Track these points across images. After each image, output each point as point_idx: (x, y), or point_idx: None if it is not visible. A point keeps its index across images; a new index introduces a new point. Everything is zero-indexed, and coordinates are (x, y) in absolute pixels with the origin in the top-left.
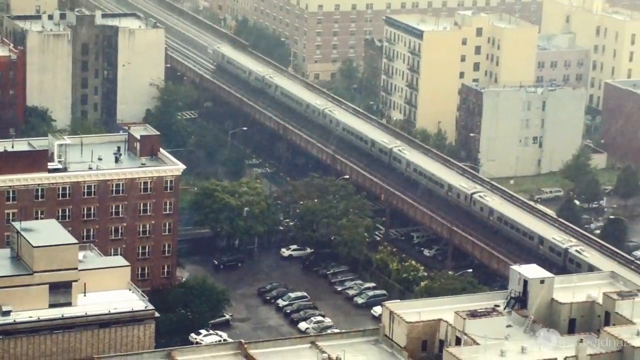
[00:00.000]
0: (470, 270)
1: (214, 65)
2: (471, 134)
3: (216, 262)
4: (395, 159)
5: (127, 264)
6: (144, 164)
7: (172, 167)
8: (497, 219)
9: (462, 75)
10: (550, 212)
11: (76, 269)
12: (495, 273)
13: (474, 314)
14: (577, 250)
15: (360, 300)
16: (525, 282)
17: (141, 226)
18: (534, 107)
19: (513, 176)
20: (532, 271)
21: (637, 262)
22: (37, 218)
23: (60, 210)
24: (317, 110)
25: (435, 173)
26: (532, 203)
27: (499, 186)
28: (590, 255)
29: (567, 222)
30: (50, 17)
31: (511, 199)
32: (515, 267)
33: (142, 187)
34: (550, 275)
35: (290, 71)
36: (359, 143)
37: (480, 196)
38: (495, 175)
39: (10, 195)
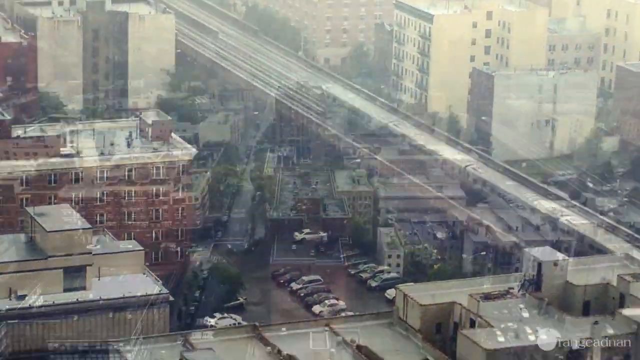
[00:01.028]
0: (484, 252)
1: (322, 107)
2: (482, 118)
3: (229, 246)
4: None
5: (141, 248)
6: (156, 149)
7: (184, 151)
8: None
9: (472, 58)
10: (564, 195)
11: (90, 253)
12: (510, 255)
13: (488, 297)
14: None
15: (373, 284)
16: (539, 265)
17: (154, 211)
18: (545, 90)
19: (525, 159)
20: (545, 253)
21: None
22: (50, 203)
23: (73, 195)
24: (456, 167)
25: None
26: (545, 186)
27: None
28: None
29: (580, 205)
30: (61, 4)
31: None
32: (529, 250)
33: (154, 171)
34: (565, 257)
35: (301, 55)
36: None
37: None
38: (507, 158)
39: (24, 180)
